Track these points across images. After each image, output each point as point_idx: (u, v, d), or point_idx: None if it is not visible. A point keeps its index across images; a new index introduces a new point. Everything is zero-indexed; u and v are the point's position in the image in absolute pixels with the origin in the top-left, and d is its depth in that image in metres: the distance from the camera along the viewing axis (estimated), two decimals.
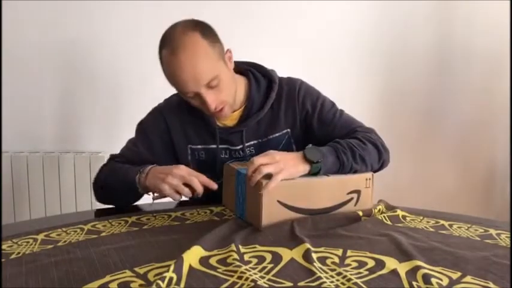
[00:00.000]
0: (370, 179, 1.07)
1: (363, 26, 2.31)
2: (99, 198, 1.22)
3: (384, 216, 1.05)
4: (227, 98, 1.12)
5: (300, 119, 1.22)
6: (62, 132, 2.12)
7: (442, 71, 2.46)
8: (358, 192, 1.06)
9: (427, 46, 2.41)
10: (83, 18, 2.04)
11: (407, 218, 1.07)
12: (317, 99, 1.22)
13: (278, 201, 0.98)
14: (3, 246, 0.87)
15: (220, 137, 1.20)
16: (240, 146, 1.20)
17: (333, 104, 1.24)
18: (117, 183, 1.13)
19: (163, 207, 1.14)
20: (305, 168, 1.01)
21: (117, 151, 2.09)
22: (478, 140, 2.54)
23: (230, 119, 1.20)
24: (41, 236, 0.93)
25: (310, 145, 1.08)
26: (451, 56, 2.46)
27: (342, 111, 1.24)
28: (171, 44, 1.05)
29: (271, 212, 0.97)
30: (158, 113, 1.25)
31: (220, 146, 1.20)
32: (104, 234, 0.95)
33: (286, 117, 1.21)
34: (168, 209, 1.13)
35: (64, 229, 0.97)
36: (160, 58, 1.09)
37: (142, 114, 2.11)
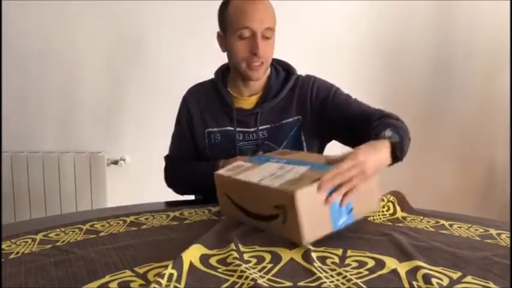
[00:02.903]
0: (292, 197, 0.81)
1: (363, 25, 2.31)
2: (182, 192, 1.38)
3: (384, 220, 1.05)
4: (268, 58, 1.24)
5: (312, 107, 1.29)
6: (62, 132, 2.12)
7: (442, 70, 2.45)
8: (283, 208, 0.86)
9: (427, 46, 2.41)
10: (83, 19, 2.04)
11: (407, 218, 1.06)
12: (331, 86, 1.31)
13: (226, 194, 1.01)
14: (2, 246, 0.87)
15: (237, 119, 1.28)
16: (254, 128, 1.28)
17: (348, 94, 1.32)
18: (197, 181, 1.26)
19: (161, 207, 1.14)
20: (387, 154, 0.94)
21: (117, 151, 2.14)
22: (478, 140, 2.53)
23: (248, 102, 1.30)
24: (39, 236, 0.93)
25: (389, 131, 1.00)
26: (451, 55, 2.45)
27: (355, 98, 1.30)
28: None
29: (222, 204, 1.04)
30: (183, 102, 1.36)
31: (236, 129, 1.28)
32: (102, 234, 0.95)
33: (298, 104, 1.29)
34: (166, 208, 1.13)
35: (62, 229, 0.97)
36: (228, 0, 1.22)
37: (142, 115, 2.13)
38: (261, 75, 1.25)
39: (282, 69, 1.34)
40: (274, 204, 0.88)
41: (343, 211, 0.87)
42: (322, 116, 1.27)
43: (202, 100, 1.33)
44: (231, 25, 1.20)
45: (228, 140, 1.28)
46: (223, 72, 1.34)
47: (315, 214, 0.85)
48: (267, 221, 0.91)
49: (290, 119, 1.29)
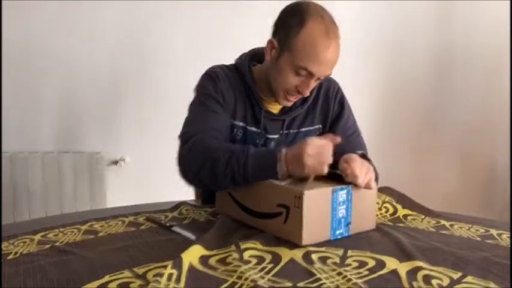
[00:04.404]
0: (299, 197, 0.85)
1: (363, 26, 2.30)
2: (201, 180, 1.02)
3: (384, 221, 1.04)
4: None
5: (332, 118, 1.24)
6: (61, 132, 2.11)
7: (442, 71, 2.45)
8: (287, 208, 0.88)
9: (427, 47, 2.41)
10: (83, 19, 2.04)
11: (408, 218, 1.06)
12: (349, 108, 1.27)
13: (228, 192, 1.01)
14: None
15: (263, 122, 1.19)
16: (276, 135, 1.19)
17: (355, 121, 1.28)
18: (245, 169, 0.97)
19: (160, 208, 1.14)
20: None
21: (116, 151, 2.13)
22: (479, 140, 2.53)
23: (274, 108, 1.20)
24: (37, 237, 0.92)
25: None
26: (451, 56, 2.45)
27: (360, 132, 1.27)
28: (325, 23, 1.06)
29: (220, 201, 1.05)
30: (214, 79, 1.16)
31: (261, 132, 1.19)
32: (101, 234, 0.94)
33: (321, 113, 1.24)
34: (165, 209, 1.13)
35: (61, 229, 0.97)
36: (304, 22, 1.05)
37: (142, 115, 2.12)
38: (290, 104, 1.17)
39: None
40: (278, 203, 0.89)
41: (342, 223, 0.91)
42: (331, 129, 1.23)
43: (234, 86, 1.17)
44: (293, 54, 1.05)
45: (250, 141, 1.18)
46: (248, 64, 1.20)
47: (317, 218, 0.87)
48: (267, 219, 0.91)
49: (311, 128, 1.22)
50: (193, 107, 1.14)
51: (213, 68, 1.20)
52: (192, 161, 1.01)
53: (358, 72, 2.32)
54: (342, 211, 0.90)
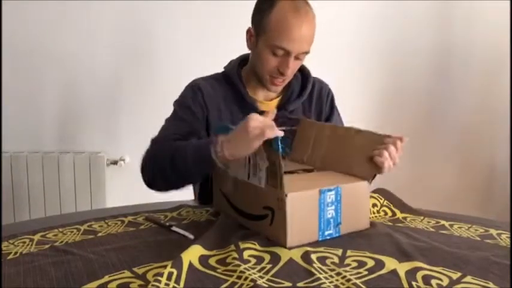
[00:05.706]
0: (282, 200, 0.84)
1: (363, 26, 2.30)
2: (158, 181, 1.11)
3: (384, 221, 1.04)
4: (292, 75, 1.18)
5: (324, 119, 1.27)
6: (61, 132, 2.11)
7: (442, 71, 2.45)
8: (272, 210, 0.88)
9: (427, 46, 2.40)
10: (83, 19, 2.04)
11: (407, 218, 1.06)
12: (337, 110, 1.31)
13: (220, 190, 1.03)
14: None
15: None
16: None
17: (342, 122, 1.32)
18: (185, 161, 1.01)
19: (160, 208, 1.14)
20: None
21: (116, 151, 2.13)
22: (478, 140, 2.53)
23: (267, 107, 1.21)
24: (37, 237, 0.92)
25: None
26: (450, 56, 2.45)
27: None
28: (294, 2, 1.09)
29: (216, 201, 1.06)
30: (196, 91, 1.20)
31: None
32: (100, 234, 0.94)
33: (315, 114, 1.27)
34: (165, 209, 1.13)
35: (60, 229, 0.97)
36: (274, 3, 1.09)
37: (142, 115, 2.12)
38: (279, 90, 1.20)
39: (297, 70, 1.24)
40: (264, 205, 0.89)
41: (331, 224, 0.90)
42: None
43: (218, 96, 1.21)
44: (267, 35, 1.10)
45: None
46: (237, 68, 1.23)
47: (302, 220, 0.86)
48: (257, 220, 0.92)
49: None
50: (168, 117, 1.21)
51: (194, 80, 1.24)
52: (148, 169, 1.11)
53: (357, 72, 2.32)
54: (330, 212, 0.89)
